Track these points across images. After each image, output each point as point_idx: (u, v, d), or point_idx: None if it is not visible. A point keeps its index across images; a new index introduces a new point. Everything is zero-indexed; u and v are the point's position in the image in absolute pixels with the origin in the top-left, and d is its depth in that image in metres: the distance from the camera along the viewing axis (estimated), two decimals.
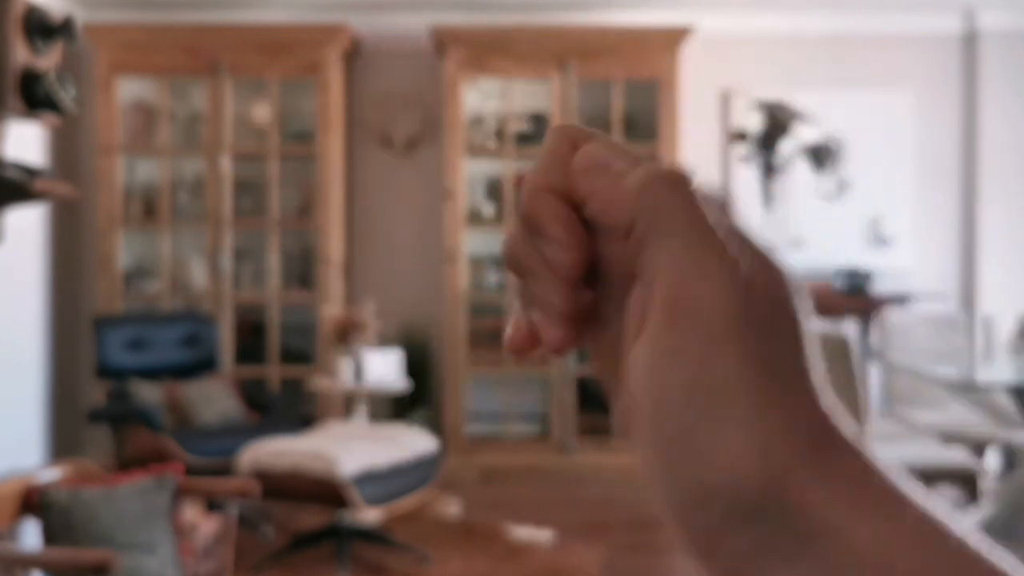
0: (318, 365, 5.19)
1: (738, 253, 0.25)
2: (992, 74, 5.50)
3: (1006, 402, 3.85)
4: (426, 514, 4.40)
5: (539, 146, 0.30)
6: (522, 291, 0.29)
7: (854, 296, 5.14)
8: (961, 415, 4.18)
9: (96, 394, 4.90)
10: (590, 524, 4.27)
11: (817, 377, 0.25)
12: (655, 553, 3.87)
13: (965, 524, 0.24)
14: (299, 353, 5.39)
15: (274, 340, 5.30)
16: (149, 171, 5.49)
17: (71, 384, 5.42)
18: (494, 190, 5.49)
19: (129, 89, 5.38)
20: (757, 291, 0.25)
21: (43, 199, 2.20)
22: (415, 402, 5.28)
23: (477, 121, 5.45)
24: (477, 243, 5.39)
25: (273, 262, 5.33)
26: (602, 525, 4.26)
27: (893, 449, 3.22)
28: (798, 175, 5.36)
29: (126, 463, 3.98)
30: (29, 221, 3.93)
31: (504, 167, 5.41)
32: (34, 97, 2.01)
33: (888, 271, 5.49)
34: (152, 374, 4.60)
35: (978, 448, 3.96)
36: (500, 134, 5.40)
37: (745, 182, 5.48)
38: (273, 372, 5.28)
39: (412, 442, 3.81)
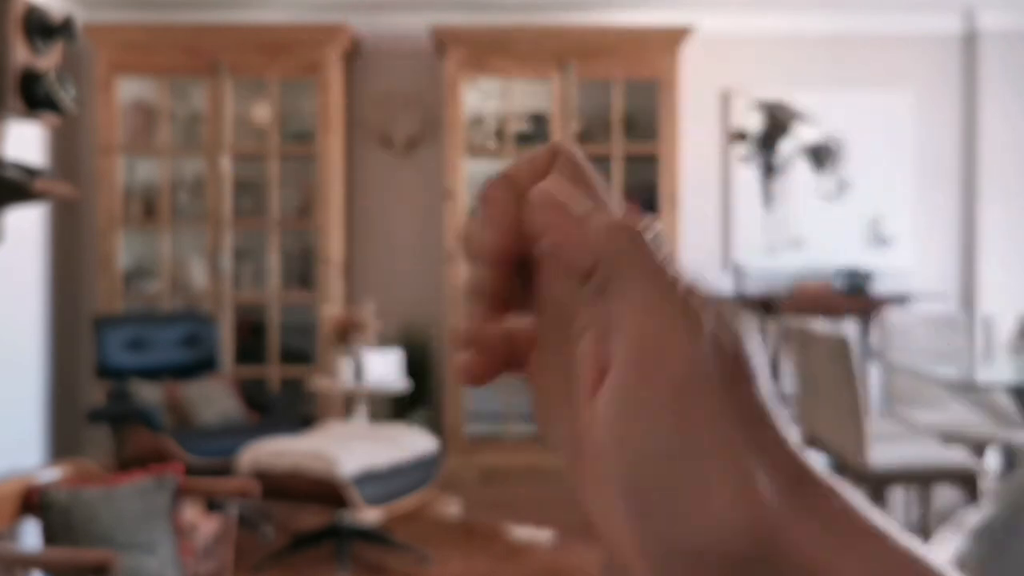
0: (318, 365, 5.19)
1: (700, 306, 0.25)
2: (992, 74, 5.50)
3: (1006, 402, 3.85)
4: (426, 514, 4.40)
5: (539, 146, 0.30)
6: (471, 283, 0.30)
7: (854, 296, 5.14)
8: (961, 415, 4.18)
9: (96, 394, 4.90)
10: (590, 524, 4.26)
11: (782, 420, 0.25)
12: None
13: (942, 557, 0.24)
14: (299, 353, 5.39)
15: (274, 340, 5.30)
16: (149, 171, 5.49)
17: (71, 384, 5.42)
18: None
19: (129, 89, 5.38)
20: (722, 343, 0.25)
21: (43, 199, 2.20)
22: (415, 402, 5.28)
23: (477, 121, 5.45)
24: None
25: (273, 262, 5.33)
26: None
27: (893, 449, 3.22)
28: (798, 175, 5.37)
29: (126, 463, 3.98)
30: (29, 221, 3.93)
31: (504, 167, 5.40)
32: (34, 97, 2.01)
33: (888, 271, 5.49)
34: (152, 374, 4.60)
35: (978, 448, 3.96)
36: (500, 134, 5.40)
37: (745, 182, 5.48)
38: (273, 372, 5.28)
39: (412, 442, 3.81)
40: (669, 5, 5.36)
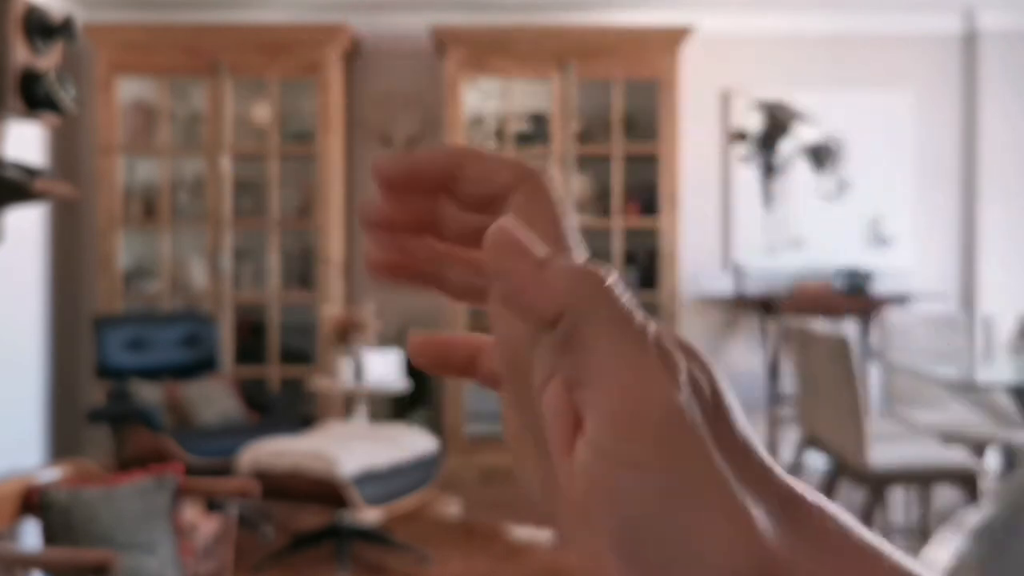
0: (318, 365, 5.19)
1: (672, 351, 0.25)
2: (992, 74, 5.50)
3: (1006, 402, 3.85)
4: (426, 514, 4.40)
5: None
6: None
7: (854, 296, 5.14)
8: (961, 415, 4.18)
9: (96, 394, 4.90)
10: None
11: (761, 448, 0.25)
12: None
13: (941, 557, 0.25)
14: (299, 353, 5.39)
15: (274, 340, 5.30)
16: (149, 171, 5.49)
17: (71, 384, 5.42)
18: None
19: (129, 89, 5.38)
20: (699, 384, 0.25)
21: (43, 199, 2.20)
22: (415, 402, 5.28)
23: (477, 121, 5.45)
24: None
25: (273, 262, 5.33)
26: None
27: (893, 449, 3.22)
28: (798, 175, 5.37)
29: (126, 463, 3.98)
30: (29, 221, 3.93)
31: None
32: (34, 97, 2.01)
33: (888, 271, 5.49)
34: (152, 374, 4.60)
35: (978, 448, 3.96)
36: (500, 134, 5.40)
37: (745, 182, 5.48)
38: (273, 372, 5.28)
39: (412, 442, 3.81)
40: (669, 5, 5.36)
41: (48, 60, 2.07)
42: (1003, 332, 5.03)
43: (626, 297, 0.26)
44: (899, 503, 4.09)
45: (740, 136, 5.25)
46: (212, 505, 2.83)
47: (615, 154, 5.26)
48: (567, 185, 5.24)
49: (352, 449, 3.54)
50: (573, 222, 0.29)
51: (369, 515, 3.88)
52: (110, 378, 4.53)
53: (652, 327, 0.25)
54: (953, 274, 5.60)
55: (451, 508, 4.51)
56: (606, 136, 5.33)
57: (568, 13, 5.49)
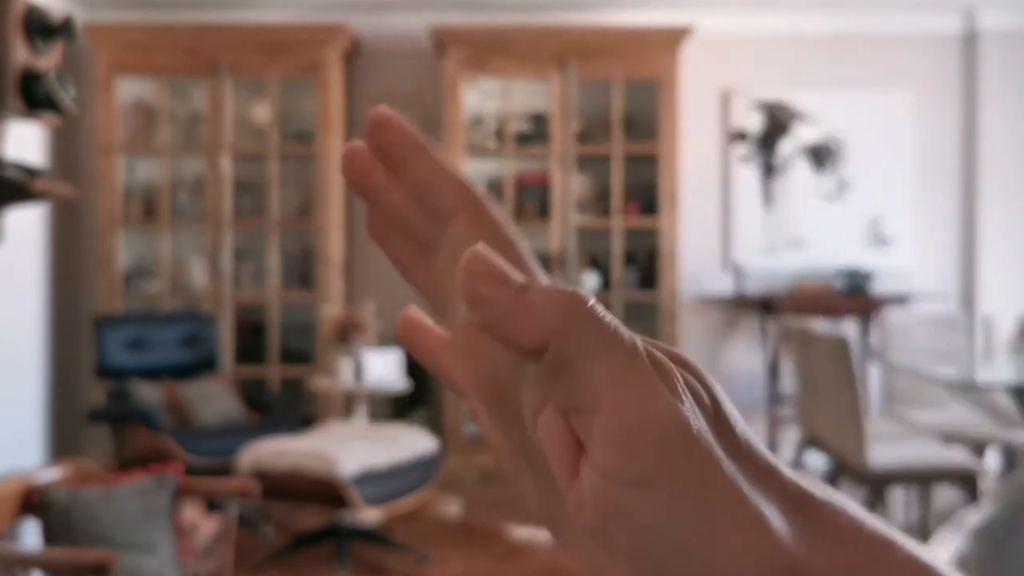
0: (318, 365, 5.19)
1: (668, 365, 0.25)
2: (992, 74, 5.50)
3: (1006, 402, 3.85)
4: (426, 514, 4.40)
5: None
6: None
7: (854, 296, 5.14)
8: (961, 415, 4.18)
9: (96, 394, 4.90)
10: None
11: (765, 449, 0.25)
12: None
13: (942, 557, 0.25)
14: (299, 353, 5.39)
15: (274, 340, 5.30)
16: (149, 171, 5.49)
17: (71, 384, 5.42)
18: (494, 190, 5.49)
19: (129, 89, 5.38)
20: (698, 394, 0.25)
21: (43, 199, 2.20)
22: (415, 402, 5.28)
23: (477, 121, 5.45)
24: None
25: (273, 262, 5.33)
26: None
27: (893, 449, 3.22)
28: (798, 175, 5.37)
29: (126, 463, 3.98)
30: (29, 221, 3.93)
31: (504, 167, 5.41)
32: (34, 97, 2.01)
33: (888, 271, 5.49)
34: (152, 374, 4.60)
35: (978, 448, 3.97)
36: (500, 134, 5.40)
37: (745, 182, 5.48)
38: (273, 372, 5.28)
39: (412, 442, 3.81)
40: (669, 5, 5.36)
41: (48, 60, 2.07)
42: (1003, 332, 5.03)
43: (609, 316, 0.25)
44: (899, 503, 4.09)
45: (740, 136, 5.25)
46: (212, 505, 2.83)
47: (615, 154, 5.26)
48: (567, 185, 5.25)
49: (352, 449, 3.54)
50: (527, 245, 0.28)
51: (369, 515, 3.88)
52: (110, 378, 4.53)
53: (639, 342, 0.25)
54: (953, 274, 5.60)
55: (451, 508, 4.51)
56: (606, 136, 5.33)
57: (568, 13, 5.49)
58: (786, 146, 5.19)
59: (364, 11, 5.44)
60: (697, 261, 5.52)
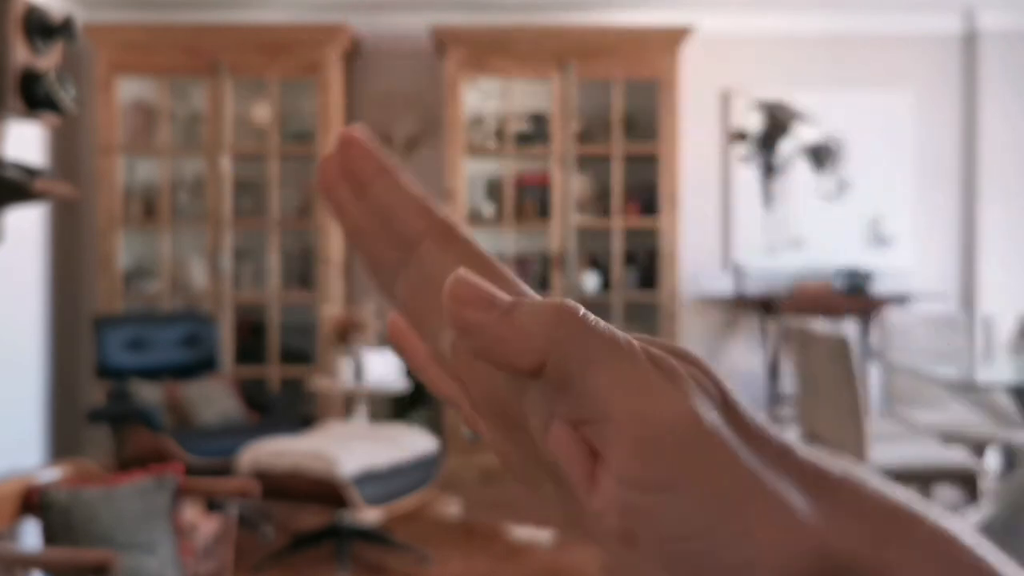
0: (318, 365, 5.19)
1: (670, 361, 0.25)
2: (992, 74, 5.50)
3: (1006, 402, 3.85)
4: (426, 514, 4.40)
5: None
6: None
7: (854, 296, 5.14)
8: (961, 415, 4.18)
9: (96, 394, 4.90)
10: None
11: (777, 430, 0.25)
12: None
13: (968, 526, 0.25)
14: (299, 353, 5.39)
15: (274, 340, 5.30)
16: (149, 171, 5.50)
17: (71, 384, 5.42)
18: (494, 190, 5.49)
19: (129, 89, 5.38)
20: (705, 386, 0.25)
21: (43, 199, 2.20)
22: (415, 402, 5.28)
23: (477, 121, 5.45)
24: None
25: (273, 262, 5.33)
26: None
27: (893, 449, 3.22)
28: (798, 175, 5.36)
29: (126, 463, 3.98)
30: (29, 221, 3.93)
31: (504, 167, 5.41)
32: (34, 97, 2.01)
33: (888, 271, 5.49)
34: (152, 374, 4.60)
35: (978, 448, 3.96)
36: (500, 134, 5.40)
37: (745, 182, 5.48)
38: (273, 372, 5.28)
39: (412, 442, 3.81)
40: (669, 5, 5.36)
41: (48, 60, 2.07)
42: (1003, 332, 5.03)
43: (602, 323, 0.25)
44: None
45: (740, 136, 5.25)
46: (212, 505, 2.83)
47: (615, 154, 5.26)
48: (567, 185, 5.25)
49: (352, 449, 3.54)
50: (499, 260, 0.28)
51: (369, 515, 3.88)
52: (110, 378, 4.53)
53: (637, 344, 0.25)
54: (953, 274, 5.60)
55: (451, 508, 4.51)
56: (606, 136, 5.33)
57: (568, 13, 5.49)
58: (786, 146, 5.19)
59: (364, 11, 5.44)
60: (697, 261, 5.52)
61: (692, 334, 5.48)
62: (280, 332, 5.37)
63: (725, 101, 5.56)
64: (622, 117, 5.29)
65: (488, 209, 5.42)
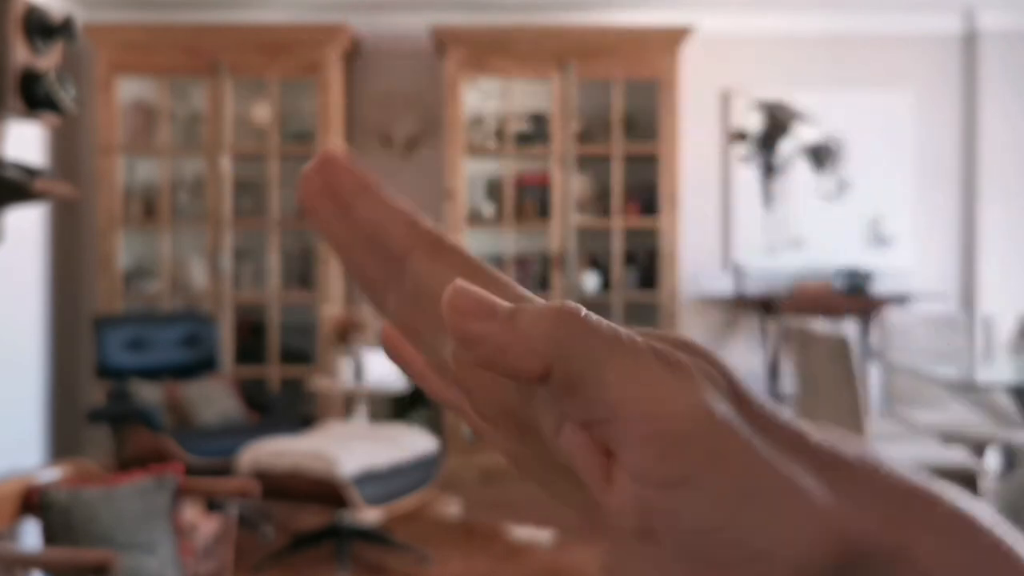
0: (318, 365, 5.19)
1: (676, 355, 0.25)
2: (992, 74, 5.50)
3: (1006, 402, 3.85)
4: (426, 514, 4.40)
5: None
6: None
7: (854, 296, 5.14)
8: (961, 415, 4.18)
9: (96, 394, 4.90)
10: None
11: (788, 414, 0.25)
12: None
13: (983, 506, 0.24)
14: (299, 353, 5.39)
15: (274, 340, 5.30)
16: (149, 171, 5.50)
17: (71, 384, 5.42)
18: (494, 190, 5.49)
19: (129, 89, 5.38)
20: (713, 377, 0.25)
21: (43, 199, 2.20)
22: (415, 402, 5.28)
23: (477, 121, 5.45)
24: (477, 243, 5.40)
25: (273, 262, 5.33)
26: None
27: (893, 449, 3.22)
28: (798, 175, 5.37)
29: (126, 463, 3.98)
30: (29, 221, 3.93)
31: (504, 167, 5.41)
32: (34, 97, 2.01)
33: (888, 271, 5.49)
34: (152, 374, 4.60)
35: (978, 448, 3.96)
36: (500, 134, 5.40)
37: (745, 182, 5.48)
38: (273, 372, 5.28)
39: (412, 442, 3.81)
40: (669, 5, 5.36)
41: (48, 60, 2.07)
42: (1003, 332, 5.03)
43: (604, 322, 0.25)
44: None
45: (740, 136, 5.25)
46: (212, 505, 2.83)
47: (615, 154, 5.27)
48: (567, 185, 5.25)
49: (352, 449, 3.54)
50: (492, 267, 0.28)
51: (369, 515, 3.88)
52: (110, 378, 4.53)
53: (641, 339, 0.25)
54: (953, 274, 5.60)
55: (451, 508, 4.51)
56: (606, 136, 5.33)
57: (568, 13, 5.49)
58: (786, 146, 5.19)
59: (364, 11, 5.44)
60: (697, 261, 5.52)
61: (692, 334, 5.48)
62: (280, 332, 5.37)
63: (725, 101, 5.56)
64: (622, 117, 5.29)
65: (488, 209, 5.42)
